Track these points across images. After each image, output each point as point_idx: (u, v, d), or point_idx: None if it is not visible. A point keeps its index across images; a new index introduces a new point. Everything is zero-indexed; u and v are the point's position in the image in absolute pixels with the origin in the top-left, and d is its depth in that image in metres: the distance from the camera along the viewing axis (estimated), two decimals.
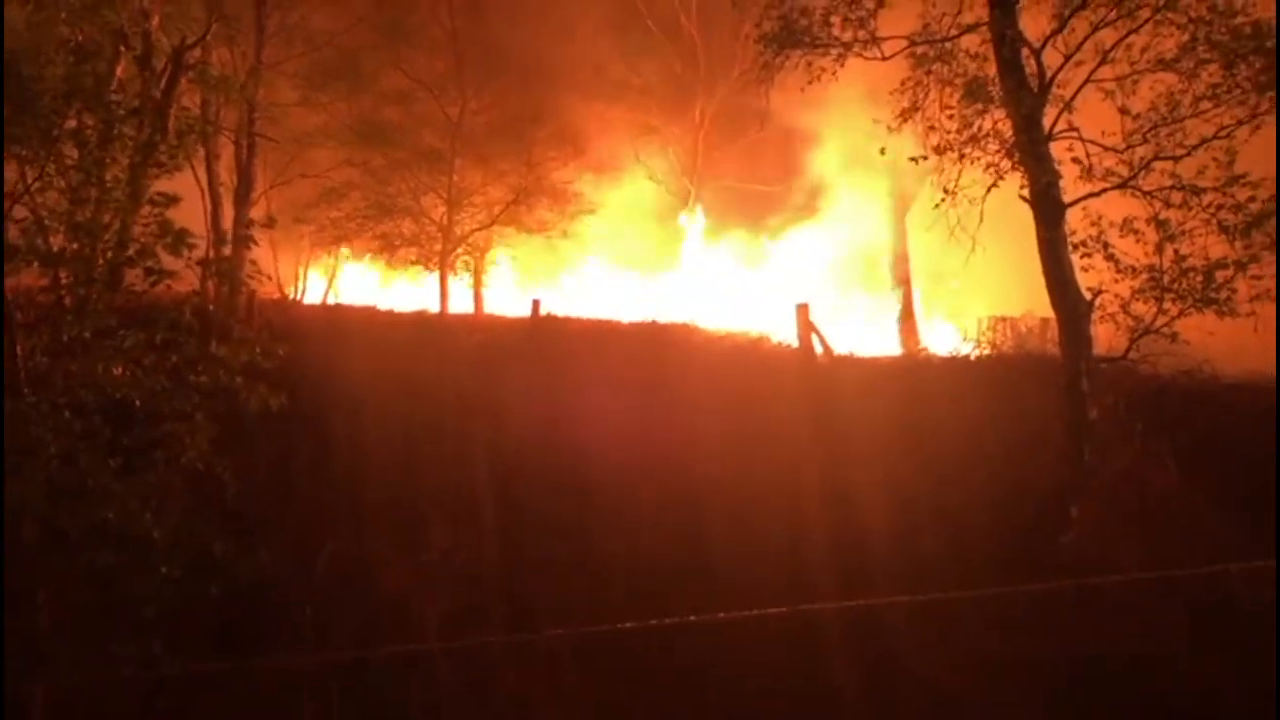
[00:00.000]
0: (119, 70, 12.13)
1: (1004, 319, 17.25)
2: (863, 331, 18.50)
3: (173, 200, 6.56)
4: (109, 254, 6.26)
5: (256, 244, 6.94)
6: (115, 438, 5.65)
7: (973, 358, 14.76)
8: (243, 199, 17.67)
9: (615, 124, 23.34)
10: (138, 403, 5.70)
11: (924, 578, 7.27)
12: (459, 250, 21.38)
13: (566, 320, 17.82)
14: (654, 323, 17.78)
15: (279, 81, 19.23)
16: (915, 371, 14.52)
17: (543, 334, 15.72)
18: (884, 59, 9.39)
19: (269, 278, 12.22)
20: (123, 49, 12.50)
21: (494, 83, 21.77)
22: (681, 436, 10.09)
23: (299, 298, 25.74)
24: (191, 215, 16.37)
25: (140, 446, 5.73)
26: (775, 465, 9.44)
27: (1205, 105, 8.37)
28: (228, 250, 12.53)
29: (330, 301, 25.85)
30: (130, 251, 6.26)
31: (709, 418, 10.37)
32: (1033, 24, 8.84)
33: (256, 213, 17.64)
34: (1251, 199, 8.43)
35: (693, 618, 6.16)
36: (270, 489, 8.17)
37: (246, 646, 6.16)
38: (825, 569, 7.75)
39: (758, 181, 23.87)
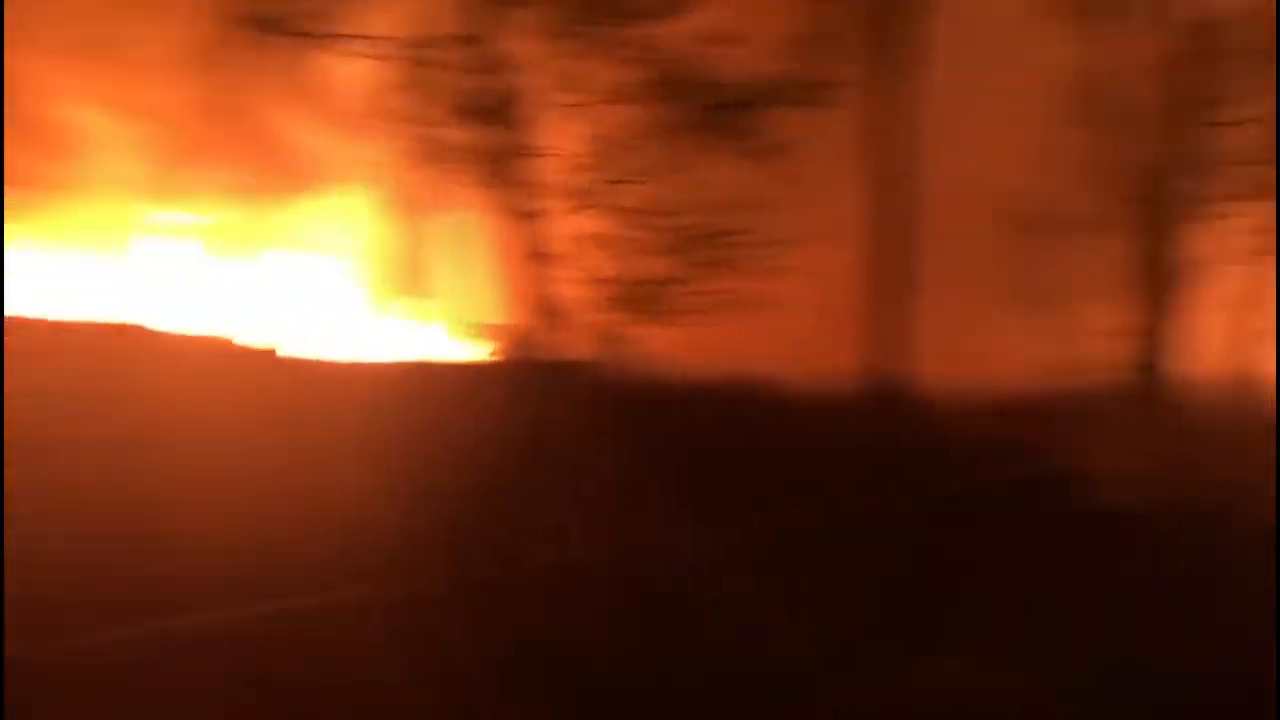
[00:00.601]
0: None
1: (494, 325, 17.82)
2: (350, 332, 18.01)
3: None
4: None
5: None
6: None
7: (459, 363, 15.04)
8: None
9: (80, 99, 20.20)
10: None
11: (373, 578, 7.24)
12: None
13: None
14: (96, 324, 15.50)
15: None
16: (401, 377, 14.43)
17: None
18: (366, 58, 9.17)
19: None
20: None
21: None
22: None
23: None
24: None
25: None
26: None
27: (656, 137, 9.38)
28: None
29: None
30: None
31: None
32: (520, 44, 9.20)
33: None
34: (694, 224, 9.63)
35: None
36: None
37: None
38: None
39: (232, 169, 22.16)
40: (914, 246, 11.29)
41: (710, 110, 9.22)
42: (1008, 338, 12.64)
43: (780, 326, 10.99)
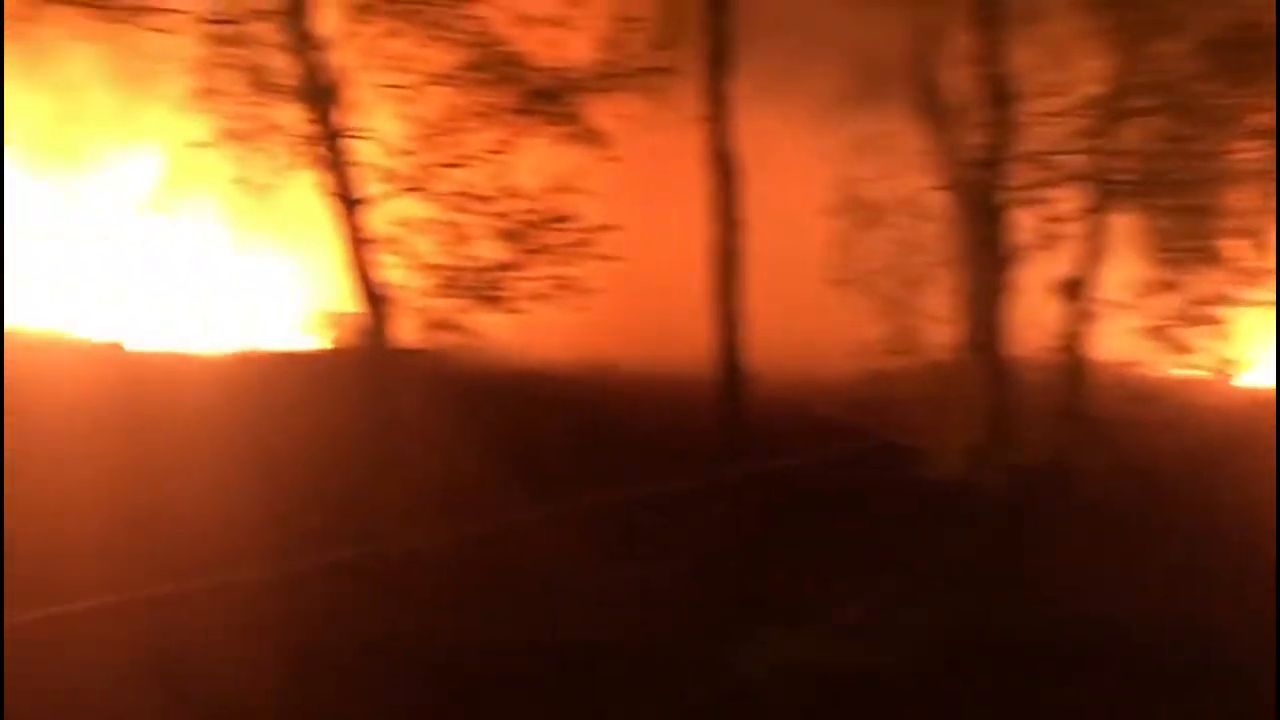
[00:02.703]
0: None
1: (333, 314, 17.48)
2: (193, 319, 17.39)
3: None
4: None
5: None
6: None
7: (302, 351, 14.74)
8: None
9: None
10: None
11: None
12: None
13: None
14: None
15: None
16: (243, 367, 14.06)
17: None
18: (168, 33, 8.85)
19: None
20: None
21: None
22: None
23: None
24: None
25: None
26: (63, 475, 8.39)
27: (477, 121, 9.31)
28: None
29: None
30: None
31: None
32: (329, 21, 9.00)
33: None
34: (524, 210, 9.59)
35: None
36: None
37: None
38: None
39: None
40: (745, 232, 11.52)
41: (534, 95, 9.19)
42: (840, 320, 13.07)
43: (613, 312, 11.09)
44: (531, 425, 10.99)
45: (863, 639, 7.15)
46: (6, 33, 10.05)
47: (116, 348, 14.33)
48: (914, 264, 13.29)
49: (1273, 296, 13.25)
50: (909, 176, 13.08)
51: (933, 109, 12.73)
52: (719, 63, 11.54)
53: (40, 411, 9.69)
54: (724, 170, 11.57)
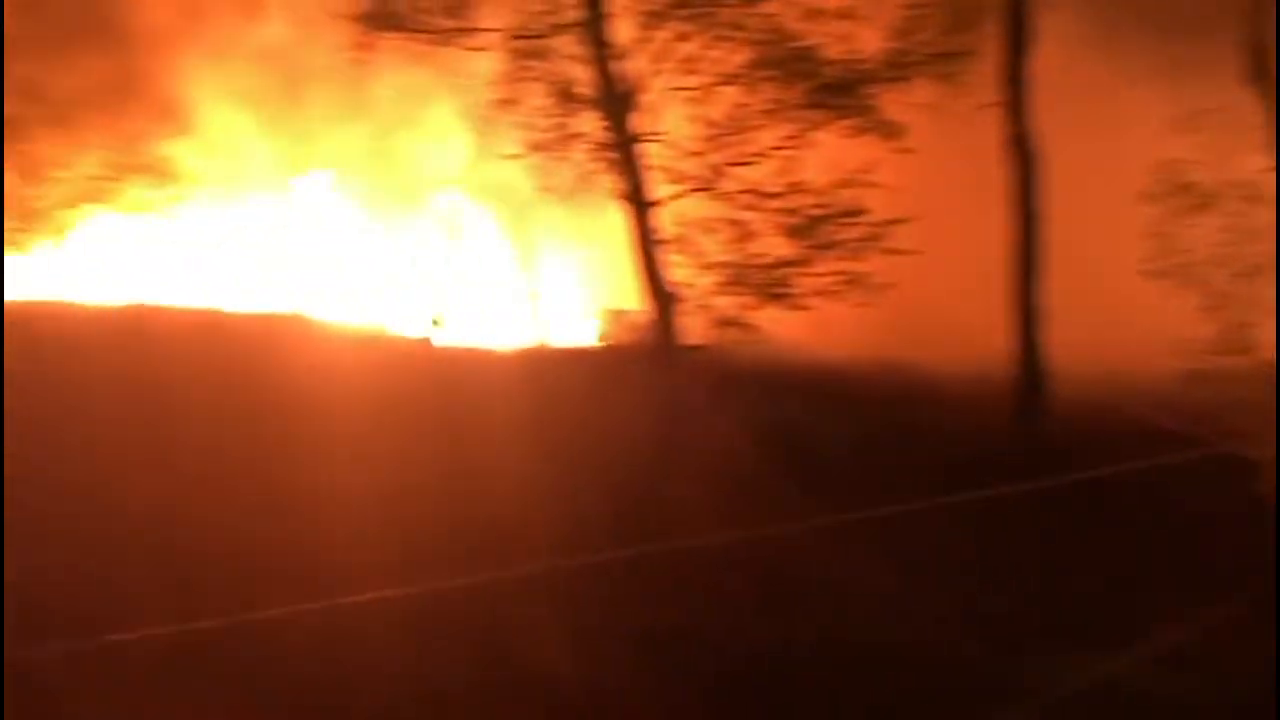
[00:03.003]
0: None
1: (619, 311, 18.10)
2: (488, 317, 18.61)
3: None
4: None
5: None
6: None
7: (589, 348, 15.39)
8: None
9: (223, 94, 21.67)
10: None
11: (511, 556, 7.44)
12: (37, 229, 18.85)
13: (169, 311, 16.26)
14: (265, 316, 16.66)
15: None
16: (535, 364, 14.86)
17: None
18: (479, 50, 9.47)
19: None
20: None
21: (77, 42, 19.36)
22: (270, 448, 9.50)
23: None
24: None
25: None
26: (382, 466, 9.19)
27: (766, 119, 9.26)
28: None
29: None
30: None
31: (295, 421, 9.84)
32: (623, 29, 9.29)
33: None
34: (811, 205, 9.45)
35: (283, 610, 5.85)
36: None
37: None
38: (409, 551, 7.62)
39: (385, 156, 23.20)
40: (1046, 223, 10.74)
41: (825, 89, 9.01)
42: (1154, 315, 11.85)
43: (904, 308, 10.70)
44: (817, 425, 10.81)
45: (1185, 667, 6.52)
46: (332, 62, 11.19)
47: (425, 344, 15.61)
48: (1246, 253, 11.79)
49: None
50: (1240, 156, 11.63)
51: (1266, 78, 11.26)
52: (1018, 41, 10.84)
53: (359, 401, 10.72)
54: (1022, 157, 10.87)
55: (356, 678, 5.62)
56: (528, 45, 9.32)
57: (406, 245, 21.87)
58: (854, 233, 9.39)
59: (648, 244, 9.45)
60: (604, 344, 15.73)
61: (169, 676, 5.53)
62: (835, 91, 8.96)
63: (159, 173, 19.66)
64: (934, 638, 6.90)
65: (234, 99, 21.81)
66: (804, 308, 9.69)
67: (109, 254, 21.43)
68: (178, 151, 20.02)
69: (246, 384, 11.04)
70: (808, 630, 7.10)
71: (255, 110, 21.67)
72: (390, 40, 9.42)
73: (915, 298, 10.80)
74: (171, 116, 19.84)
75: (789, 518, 9.08)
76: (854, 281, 9.45)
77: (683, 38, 9.16)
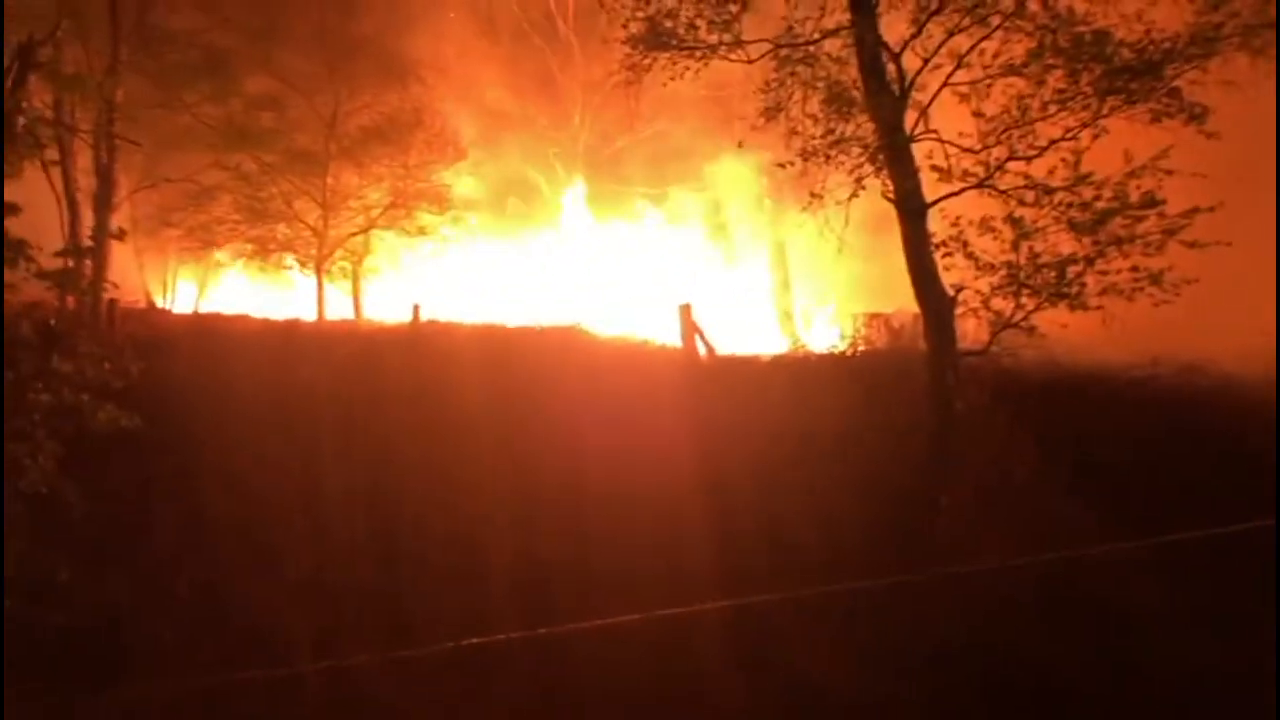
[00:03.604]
0: None
1: (877, 315, 17.71)
2: (745, 328, 18.79)
3: (12, 210, 6.16)
4: None
5: (109, 252, 6.60)
6: None
7: (848, 354, 15.12)
8: (103, 204, 16.87)
9: (496, 126, 23.17)
10: None
11: (798, 571, 7.40)
12: (336, 255, 20.88)
13: (448, 326, 17.58)
14: (539, 327, 17.71)
15: (139, 82, 18.41)
16: (793, 369, 14.81)
17: (423, 342, 15.45)
18: (749, 62, 9.57)
19: (115, 286, 11.69)
20: None
21: (368, 83, 21.33)
22: (565, 444, 10.05)
23: (167, 305, 24.75)
24: (49, 222, 15.57)
25: None
26: (657, 467, 9.48)
27: (1052, 109, 8.76)
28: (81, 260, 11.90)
29: (201, 310, 24.94)
30: None
31: (592, 424, 10.35)
32: (892, 29, 9.12)
33: (119, 218, 16.89)
34: (1097, 197, 8.86)
35: (572, 626, 6.12)
36: (126, 511, 7.79)
37: (97, 679, 5.84)
38: (705, 567, 7.80)
39: (638, 182, 24.06)
40: None
41: (1118, 73, 8.41)
42: None
43: (1206, 306, 9.76)
44: (1106, 434, 10.09)
45: None
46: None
47: (689, 351, 15.92)
48: None
49: None
50: None
51: None
52: None
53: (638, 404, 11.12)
54: None
55: (669, 690, 5.82)
56: (795, 52, 9.33)
57: (665, 257, 22.64)
58: (1149, 226, 8.72)
59: (921, 246, 9.21)
60: (867, 349, 15.41)
61: (466, 687, 5.97)
62: (1129, 74, 8.33)
63: (439, 199, 21.34)
64: (1240, 668, 6.34)
65: (501, 130, 23.40)
66: (1092, 307, 9.08)
67: (397, 276, 23.56)
68: (457, 179, 21.73)
69: (529, 389, 11.74)
70: (1102, 657, 6.73)
71: (527, 139, 23.14)
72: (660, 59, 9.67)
73: (1219, 294, 9.84)
74: (452, 147, 21.52)
75: (1078, 538, 8.54)
76: (1149, 278, 8.77)
77: (957, 31, 8.86)
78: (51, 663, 5.64)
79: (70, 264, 6.27)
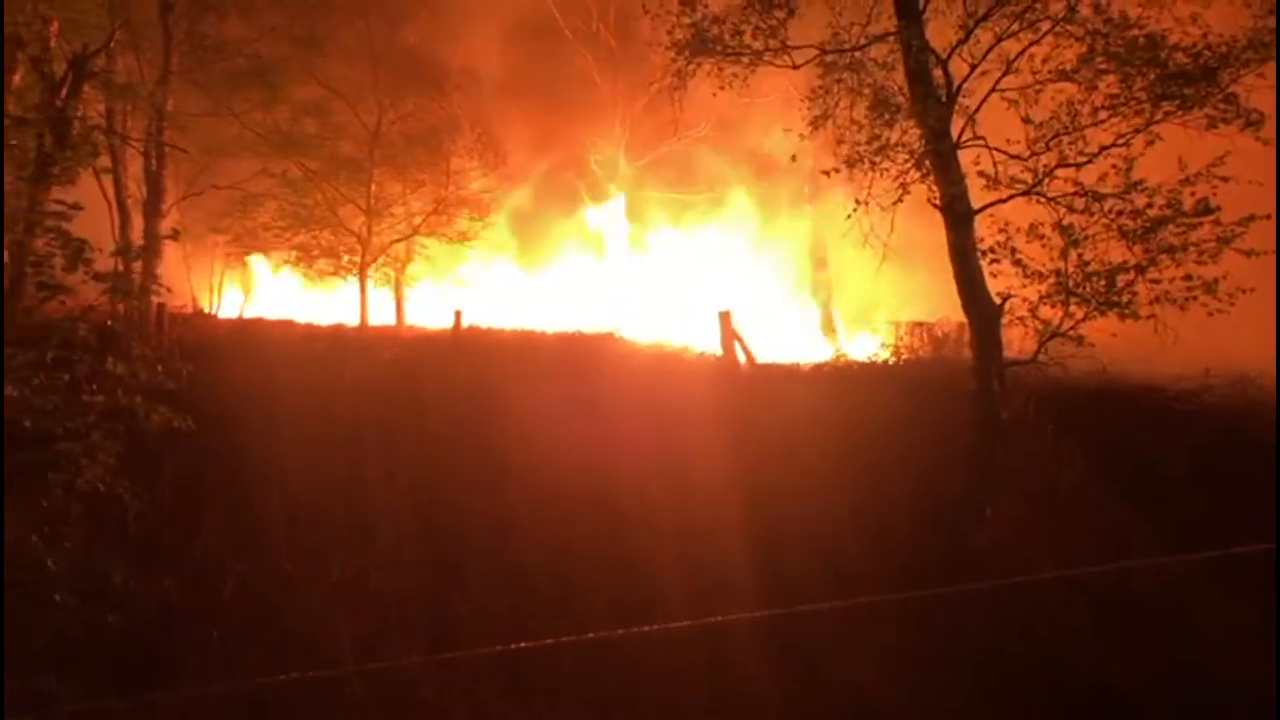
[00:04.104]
0: (16, 78, 11.67)
1: (920, 324, 17.59)
2: (783, 336, 18.69)
3: (72, 210, 6.27)
4: None
5: (159, 257, 6.70)
6: (1, 460, 5.38)
7: (890, 362, 15.03)
8: (152, 210, 17.18)
9: (537, 133, 23.29)
10: (27, 423, 5.43)
11: (843, 581, 7.33)
12: (378, 261, 21.07)
13: (489, 331, 17.68)
14: (578, 334, 17.77)
15: (189, 90, 18.74)
16: (834, 378, 14.72)
17: (464, 346, 15.55)
18: (794, 67, 9.53)
19: (168, 290, 11.89)
20: (20, 55, 12.04)
21: (411, 92, 21.53)
22: (605, 449, 10.06)
23: (214, 310, 25.11)
24: (99, 228, 15.89)
25: (30, 469, 5.47)
26: (698, 474, 9.46)
27: (1103, 114, 8.64)
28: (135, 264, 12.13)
29: (246, 314, 25.28)
30: (25, 265, 5.97)
31: (632, 430, 10.36)
32: (939, 34, 9.04)
33: (168, 224, 17.19)
34: (1149, 205, 8.72)
35: (620, 632, 6.11)
36: (175, 512, 7.90)
37: (148, 678, 5.92)
38: (747, 575, 7.76)
39: (678, 189, 24.05)
40: None
41: (1172, 78, 8.27)
42: None
43: (1262, 316, 9.57)
44: (1157, 446, 9.92)
45: None
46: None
47: (729, 358, 15.93)
48: None
49: None
50: None
51: None
52: None
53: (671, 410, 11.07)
54: None
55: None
56: (841, 58, 9.28)
57: (703, 265, 22.62)
58: (1203, 233, 8.56)
59: (968, 253, 9.11)
60: (909, 358, 15.31)
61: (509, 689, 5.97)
62: (1186, 80, 8.19)
63: (480, 206, 21.50)
64: None
65: (542, 137, 23.53)
66: (1144, 317, 8.92)
67: (438, 282, 23.78)
68: (496, 185, 21.86)
69: (568, 395, 11.77)
70: (1155, 670, 6.57)
71: (568, 145, 23.28)
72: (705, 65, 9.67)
73: (1274, 304, 9.65)
74: (493, 154, 21.66)
75: (1128, 550, 8.40)
76: (1203, 287, 8.61)
77: (1005, 36, 8.77)
78: (103, 663, 5.71)
79: (122, 267, 6.35)
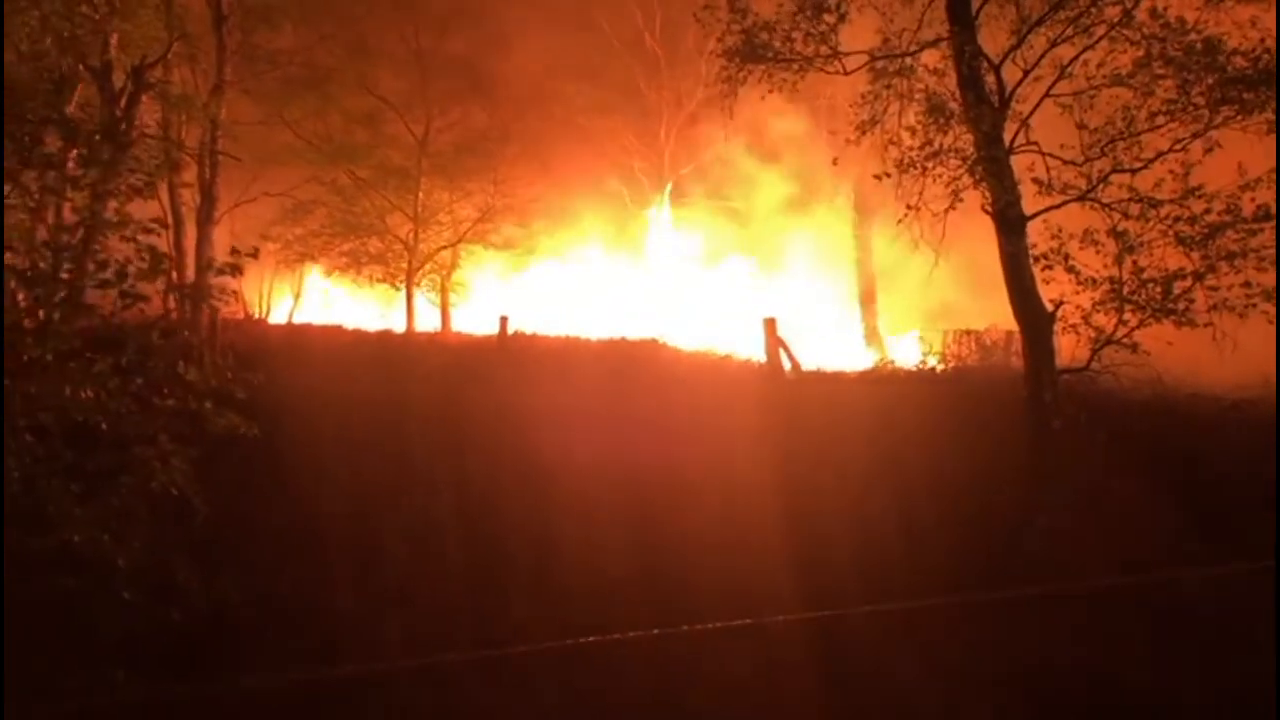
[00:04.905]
0: (79, 90, 12.00)
1: (968, 332, 17.44)
2: (829, 344, 18.62)
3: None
4: (70, 275, 6.16)
5: (241, 273, 6.85)
6: (78, 462, 5.54)
7: (938, 370, 14.91)
8: (206, 218, 17.50)
9: (582, 141, 23.42)
10: (104, 426, 5.59)
11: (889, 588, 7.30)
12: (426, 268, 21.31)
13: (534, 338, 17.79)
14: (622, 340, 17.82)
15: (242, 100, 19.10)
16: (881, 385, 14.64)
17: (510, 352, 15.66)
18: (845, 74, 9.52)
19: (235, 296, 12.14)
20: (82, 67, 12.40)
21: (459, 101, 21.78)
22: (648, 454, 10.09)
23: (264, 316, 25.51)
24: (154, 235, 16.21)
25: (104, 471, 5.62)
26: (742, 480, 9.46)
27: (1160, 120, 8.54)
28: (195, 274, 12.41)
29: (295, 320, 25.65)
30: (108, 273, 6.12)
31: (676, 436, 10.38)
32: (991, 40, 9.00)
33: (219, 232, 17.50)
34: (1207, 211, 8.59)
35: (658, 631, 6.14)
36: (230, 513, 8.05)
37: (207, 671, 6.05)
38: (791, 580, 7.75)
39: (724, 196, 24.06)
40: None
41: (1230, 82, 8.15)
42: None
43: None
44: (1213, 455, 9.74)
45: None
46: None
47: (773, 365, 15.91)
48: None
49: None
50: None
51: None
52: None
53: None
54: None
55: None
56: (893, 64, 9.27)
57: (748, 272, 22.63)
58: (1264, 240, 8.42)
59: (1020, 260, 9.04)
60: (957, 365, 15.19)
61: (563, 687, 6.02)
62: (1245, 85, 8.07)
63: (526, 214, 21.70)
64: None
65: (589, 146, 23.65)
66: (1201, 324, 8.79)
67: (485, 289, 23.98)
68: (543, 194, 22.02)
69: (614, 400, 11.81)
70: (1207, 682, 6.44)
71: (614, 153, 23.36)
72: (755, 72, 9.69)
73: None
74: (539, 162, 21.84)
75: (1182, 559, 8.26)
76: (1263, 294, 8.46)
77: (1060, 41, 8.71)
78: (167, 657, 5.85)
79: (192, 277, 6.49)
